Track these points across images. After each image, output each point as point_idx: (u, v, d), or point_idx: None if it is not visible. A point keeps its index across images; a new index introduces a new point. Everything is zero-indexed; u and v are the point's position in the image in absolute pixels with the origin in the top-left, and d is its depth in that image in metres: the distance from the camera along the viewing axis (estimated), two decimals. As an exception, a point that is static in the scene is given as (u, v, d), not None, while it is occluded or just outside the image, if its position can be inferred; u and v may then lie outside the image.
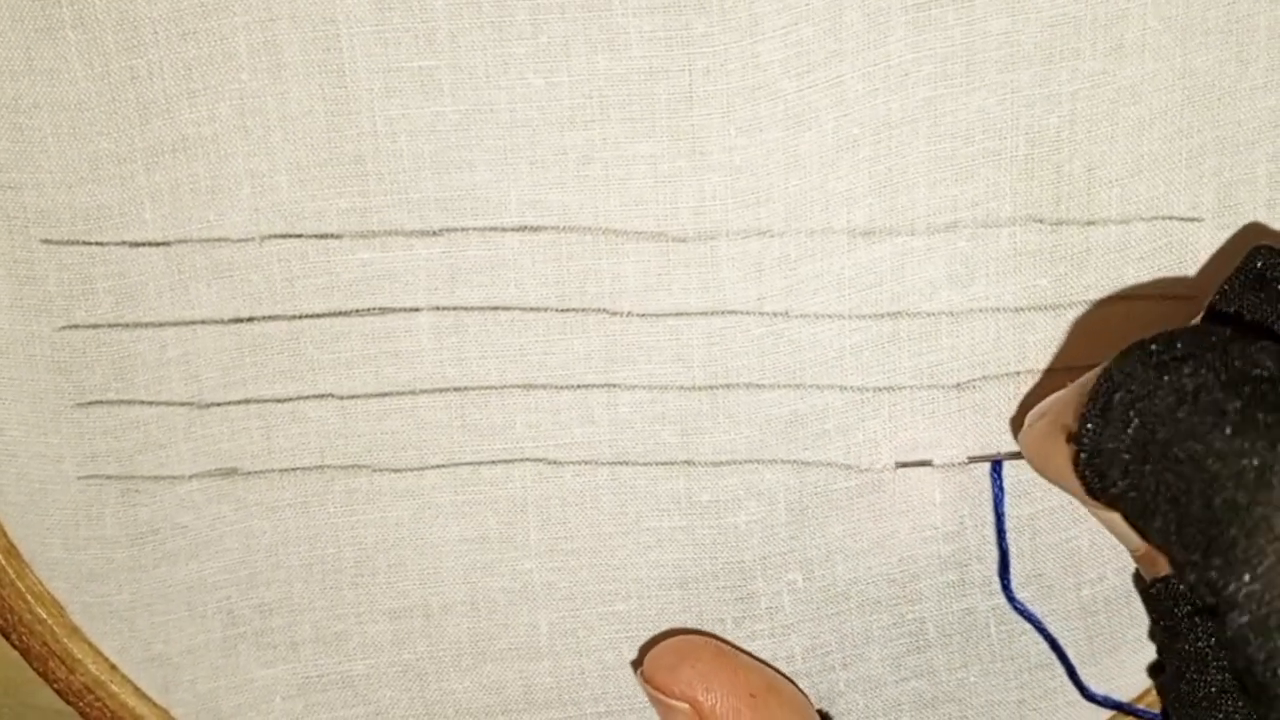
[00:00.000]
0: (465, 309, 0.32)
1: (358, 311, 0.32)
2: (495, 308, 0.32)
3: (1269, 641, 0.22)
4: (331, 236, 0.31)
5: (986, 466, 0.33)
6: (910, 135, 0.31)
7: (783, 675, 0.33)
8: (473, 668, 0.34)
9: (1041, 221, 0.32)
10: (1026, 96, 0.31)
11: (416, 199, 0.31)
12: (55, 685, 0.33)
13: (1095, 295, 0.32)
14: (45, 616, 0.32)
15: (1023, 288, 0.32)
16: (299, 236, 0.31)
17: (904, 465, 0.33)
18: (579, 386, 0.32)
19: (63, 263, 0.31)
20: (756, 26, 0.30)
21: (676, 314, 0.32)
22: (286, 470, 0.33)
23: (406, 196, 0.31)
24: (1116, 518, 0.26)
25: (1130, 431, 0.25)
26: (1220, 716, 0.25)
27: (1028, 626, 0.34)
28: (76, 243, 0.31)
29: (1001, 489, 0.33)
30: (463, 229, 0.31)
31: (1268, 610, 0.22)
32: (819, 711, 0.33)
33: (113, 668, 0.33)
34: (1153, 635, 0.27)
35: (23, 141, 0.30)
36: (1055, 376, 0.32)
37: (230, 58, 0.30)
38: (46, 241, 0.31)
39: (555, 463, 0.33)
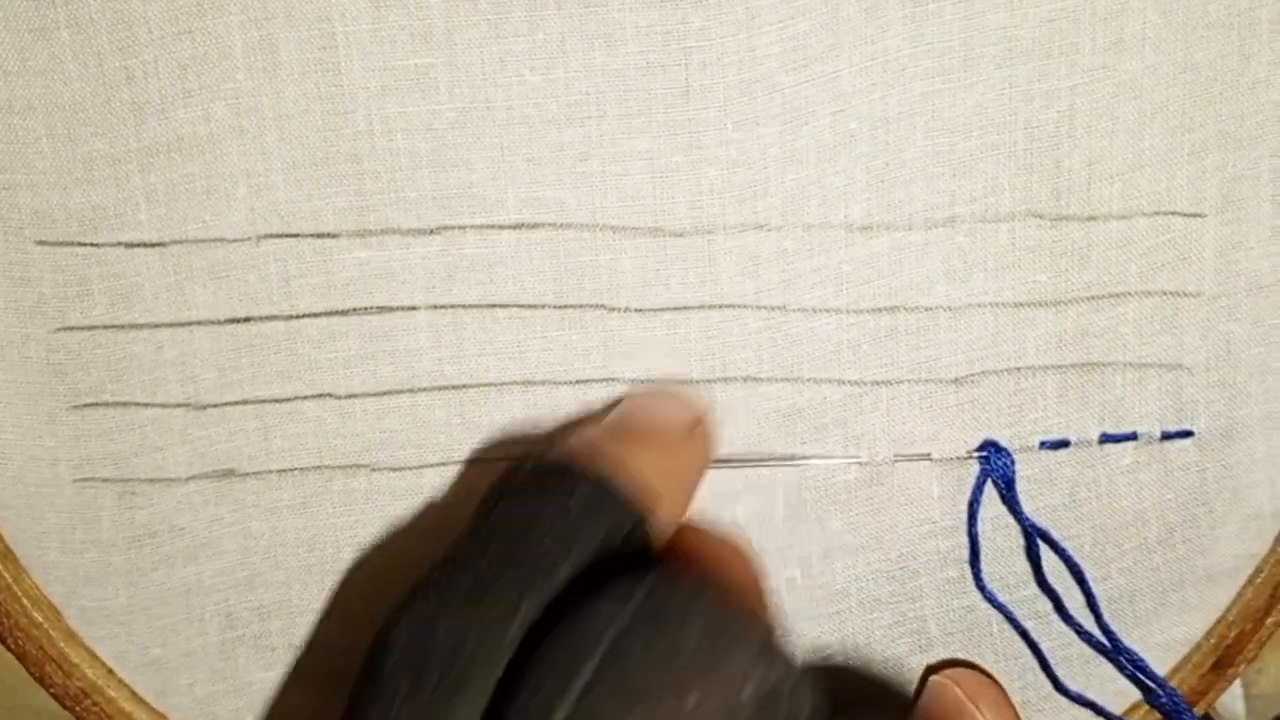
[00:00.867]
0: (463, 307, 0.32)
1: (355, 311, 0.32)
2: (493, 305, 0.32)
3: None
4: (328, 236, 0.31)
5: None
6: (908, 130, 0.31)
7: None
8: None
9: (1041, 217, 0.32)
10: (1025, 91, 0.31)
11: (413, 197, 0.31)
12: (52, 690, 0.32)
13: (1096, 291, 0.32)
14: (41, 620, 0.32)
15: (1022, 283, 0.32)
16: (295, 236, 0.31)
17: (902, 459, 0.33)
18: (577, 382, 0.32)
19: (57, 264, 0.31)
20: (753, 21, 0.30)
21: (674, 308, 0.32)
22: (284, 471, 0.32)
23: (403, 195, 0.31)
24: None
25: None
26: None
27: (1030, 625, 0.34)
28: (71, 244, 0.31)
29: (984, 480, 0.33)
30: (460, 227, 0.31)
31: None
32: None
33: (110, 672, 0.33)
34: None
35: (17, 142, 0.30)
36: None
37: (225, 57, 0.30)
38: (41, 243, 0.31)
39: (555, 460, 0.33)
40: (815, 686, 0.25)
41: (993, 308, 0.32)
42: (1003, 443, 0.33)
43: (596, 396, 0.32)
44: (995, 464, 0.32)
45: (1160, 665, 0.34)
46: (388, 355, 0.32)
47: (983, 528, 0.33)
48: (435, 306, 0.32)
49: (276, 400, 0.32)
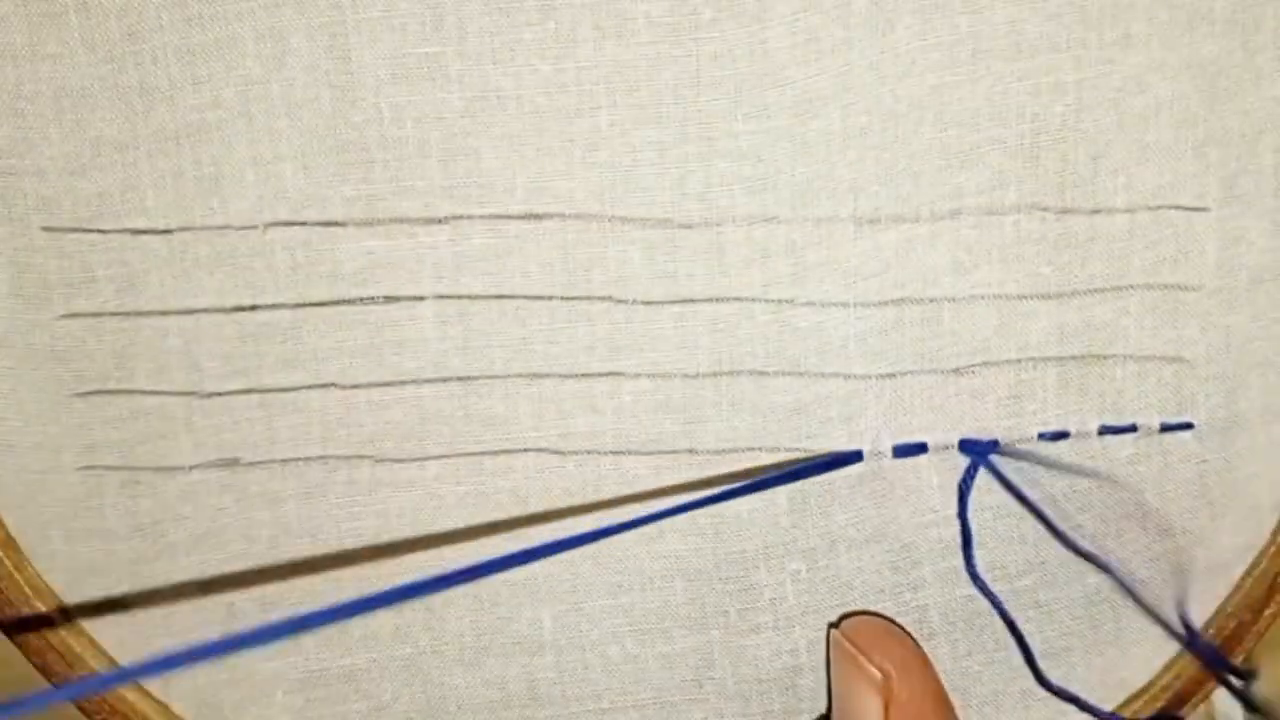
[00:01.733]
0: (470, 297, 0.32)
1: (361, 300, 0.32)
2: (500, 296, 0.32)
3: None
4: (336, 224, 0.31)
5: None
6: (916, 123, 0.31)
7: None
8: (475, 662, 0.33)
9: (1046, 209, 0.32)
10: (1032, 85, 0.31)
11: (422, 186, 0.31)
12: (54, 679, 0.32)
13: (1098, 284, 0.32)
14: (44, 609, 0.32)
15: (1026, 275, 0.32)
16: (303, 224, 0.31)
17: (901, 449, 0.33)
18: (583, 375, 0.32)
19: (63, 250, 0.31)
20: (765, 14, 0.30)
21: (682, 301, 0.32)
22: (288, 460, 0.32)
23: (412, 184, 0.31)
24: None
25: None
26: None
27: (1031, 614, 0.34)
28: (78, 230, 0.31)
29: (975, 469, 0.33)
30: (468, 217, 0.31)
31: None
32: None
33: (112, 661, 0.33)
34: None
35: (24, 127, 0.30)
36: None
37: (235, 44, 0.30)
38: (47, 229, 0.31)
39: (559, 453, 0.33)
40: None
41: (996, 299, 0.32)
42: (1001, 434, 0.33)
43: (601, 390, 0.32)
44: (977, 451, 0.33)
45: (1160, 655, 0.34)
46: (393, 345, 0.32)
47: (984, 516, 0.33)
48: (442, 297, 0.32)
49: (281, 389, 0.32)
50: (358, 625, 0.33)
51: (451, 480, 0.33)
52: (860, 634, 0.32)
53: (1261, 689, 0.36)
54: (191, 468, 0.32)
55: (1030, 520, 0.33)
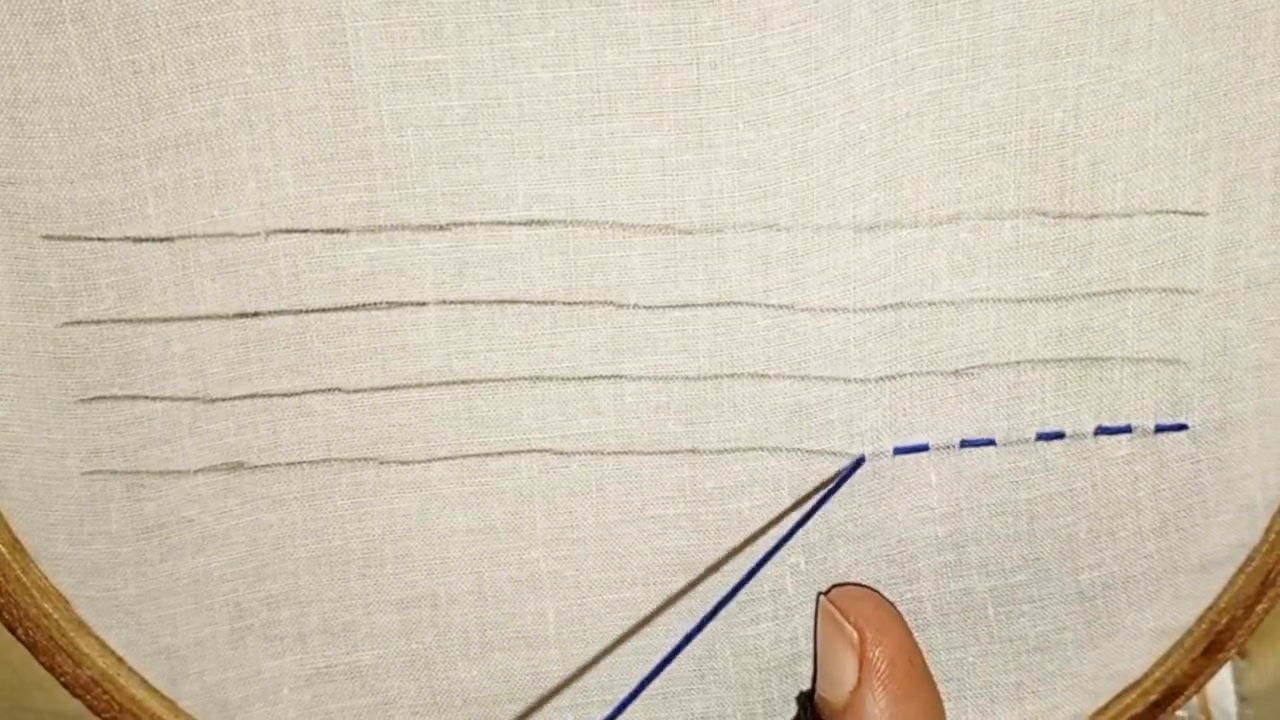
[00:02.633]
0: (472, 303, 0.32)
1: (364, 306, 0.32)
2: (502, 301, 0.32)
3: None
4: (337, 231, 0.31)
5: (980, 450, 0.34)
6: (916, 129, 0.31)
7: None
8: (480, 657, 0.34)
9: (1045, 214, 0.32)
10: (1032, 91, 0.31)
11: (423, 193, 0.31)
12: (62, 679, 0.33)
13: (1097, 287, 0.33)
14: (51, 611, 0.32)
15: (1024, 279, 0.32)
16: (304, 231, 0.31)
17: (901, 449, 0.33)
18: (585, 378, 0.32)
19: (64, 259, 0.31)
20: (765, 22, 0.30)
21: (683, 306, 0.32)
22: (293, 464, 0.33)
23: (413, 191, 0.31)
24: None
25: None
26: None
27: (1026, 609, 0.34)
28: (78, 238, 0.31)
29: (845, 477, 0.33)
30: (470, 223, 0.31)
31: None
32: None
33: (120, 660, 0.33)
34: None
35: (23, 136, 0.30)
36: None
37: (234, 51, 0.30)
38: (48, 237, 0.31)
39: (561, 453, 0.33)
40: None
41: (995, 303, 0.33)
42: (1000, 435, 0.33)
43: (603, 392, 0.32)
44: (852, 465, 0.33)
45: (1153, 650, 0.34)
46: (396, 350, 0.32)
47: (980, 513, 0.34)
48: (444, 302, 0.32)
49: (285, 394, 0.32)
50: (363, 623, 0.34)
51: (456, 481, 0.33)
52: (841, 597, 0.33)
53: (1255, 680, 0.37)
54: (196, 471, 0.32)
55: (1024, 518, 0.34)
